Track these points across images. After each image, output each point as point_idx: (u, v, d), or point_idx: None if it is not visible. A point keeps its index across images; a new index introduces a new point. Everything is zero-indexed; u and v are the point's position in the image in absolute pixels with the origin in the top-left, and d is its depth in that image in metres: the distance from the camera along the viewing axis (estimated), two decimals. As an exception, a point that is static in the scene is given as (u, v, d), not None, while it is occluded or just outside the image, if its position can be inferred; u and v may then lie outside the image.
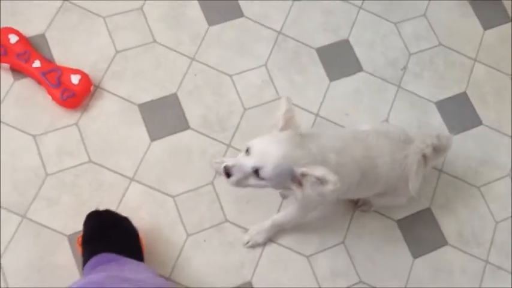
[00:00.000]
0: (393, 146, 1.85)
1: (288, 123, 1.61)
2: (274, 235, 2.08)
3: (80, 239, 1.79)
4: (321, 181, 1.50)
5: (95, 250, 1.68)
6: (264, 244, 2.07)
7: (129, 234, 1.83)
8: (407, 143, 1.89)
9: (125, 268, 1.63)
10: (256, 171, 1.54)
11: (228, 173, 1.57)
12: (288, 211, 1.99)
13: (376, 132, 1.86)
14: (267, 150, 1.55)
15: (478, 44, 2.57)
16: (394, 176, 1.89)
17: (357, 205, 2.18)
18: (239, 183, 1.59)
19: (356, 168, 1.73)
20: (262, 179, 1.56)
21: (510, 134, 2.42)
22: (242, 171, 1.56)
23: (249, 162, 1.55)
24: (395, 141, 1.87)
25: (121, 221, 1.83)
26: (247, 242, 2.06)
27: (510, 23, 2.63)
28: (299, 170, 1.53)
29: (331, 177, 1.48)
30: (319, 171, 1.50)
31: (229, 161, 1.57)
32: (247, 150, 1.57)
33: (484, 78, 2.51)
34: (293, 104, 1.64)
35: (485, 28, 2.60)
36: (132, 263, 1.69)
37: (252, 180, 1.58)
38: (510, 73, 2.53)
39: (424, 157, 1.92)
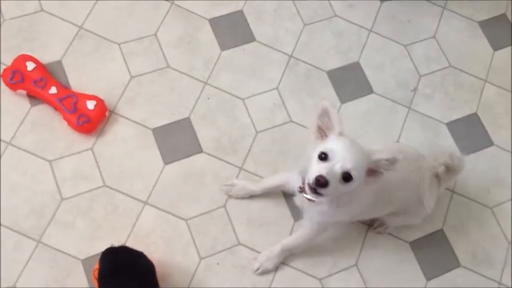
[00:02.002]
0: (406, 165, 1.77)
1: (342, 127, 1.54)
2: (284, 260, 2.02)
3: (96, 273, 1.74)
4: (391, 161, 1.49)
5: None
6: (274, 270, 2.01)
7: (146, 271, 1.77)
8: (420, 162, 1.85)
9: None
10: (344, 176, 1.46)
11: (324, 183, 1.45)
12: (298, 233, 1.95)
13: (389, 150, 1.79)
14: (348, 152, 1.47)
15: (488, 65, 2.51)
16: (408, 195, 1.85)
17: (372, 227, 2.12)
18: (332, 192, 1.48)
19: (372, 188, 1.67)
20: (351, 181, 1.47)
21: (522, 154, 2.36)
22: (335, 178, 1.46)
23: (337, 167, 1.45)
24: (409, 160, 1.81)
25: (137, 258, 1.78)
26: (258, 269, 1.99)
27: (520, 44, 2.57)
28: (372, 159, 1.50)
29: (397, 156, 1.49)
30: (385, 155, 1.49)
31: (319, 171, 1.46)
32: (323, 158, 1.48)
33: (495, 99, 2.45)
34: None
35: (495, 49, 2.54)
36: None
37: (341, 187, 1.48)
38: (521, 93, 2.46)
39: (438, 177, 1.88)
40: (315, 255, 2.05)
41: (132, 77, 2.19)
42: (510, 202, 2.27)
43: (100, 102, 2.04)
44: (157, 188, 2.04)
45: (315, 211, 1.76)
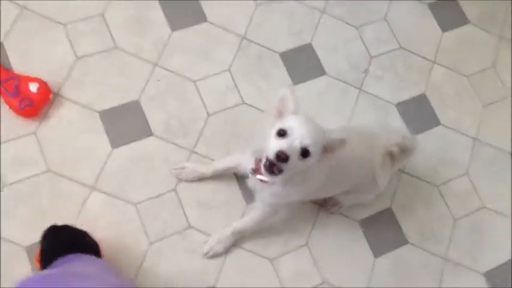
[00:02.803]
0: (359, 143, 1.74)
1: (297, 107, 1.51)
2: (235, 242, 1.92)
3: (38, 255, 1.61)
4: (341, 142, 1.47)
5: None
6: (224, 253, 1.91)
7: (89, 248, 1.66)
8: (374, 140, 1.80)
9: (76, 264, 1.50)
10: (302, 151, 1.42)
11: (284, 158, 1.39)
12: (249, 216, 1.87)
13: (343, 129, 1.80)
14: (306, 128, 1.43)
15: (436, 46, 2.43)
16: (361, 173, 1.81)
17: (325, 207, 2.04)
18: (292, 168, 1.43)
19: (325, 166, 1.62)
20: (309, 156, 1.43)
21: (467, 134, 2.30)
22: (295, 153, 1.41)
23: (297, 142, 1.41)
24: (362, 138, 1.77)
25: (79, 236, 1.67)
26: (207, 253, 1.90)
27: (467, 25, 2.49)
28: (327, 138, 1.47)
29: (345, 137, 1.48)
30: (338, 135, 1.49)
31: (280, 146, 1.40)
32: (281, 134, 1.42)
33: (443, 79, 2.38)
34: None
35: (444, 30, 2.46)
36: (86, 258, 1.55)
37: (299, 163, 1.43)
38: (467, 74, 2.39)
39: (391, 156, 1.84)
40: (265, 235, 1.96)
41: (77, 58, 2.03)
42: (456, 180, 2.21)
43: (43, 84, 1.88)
44: (104, 172, 1.90)
45: (268, 192, 1.68)
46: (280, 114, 1.50)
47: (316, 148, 1.44)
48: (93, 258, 1.60)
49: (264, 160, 1.46)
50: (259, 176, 1.59)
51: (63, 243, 1.60)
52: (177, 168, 1.95)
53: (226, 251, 1.92)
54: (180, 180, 1.95)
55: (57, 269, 1.45)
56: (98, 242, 1.71)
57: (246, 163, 1.71)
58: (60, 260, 1.50)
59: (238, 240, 1.92)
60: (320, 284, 1.95)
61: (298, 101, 1.48)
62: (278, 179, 1.53)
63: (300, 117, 1.47)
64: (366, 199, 2.01)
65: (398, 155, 1.85)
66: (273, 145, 1.43)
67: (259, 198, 1.80)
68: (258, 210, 1.84)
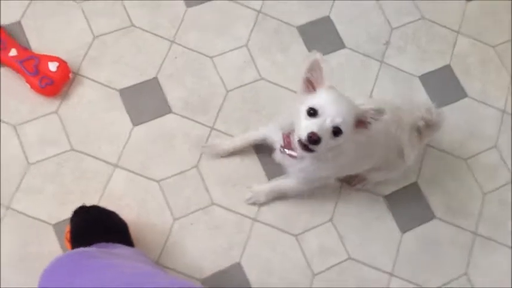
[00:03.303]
0: (387, 117, 1.81)
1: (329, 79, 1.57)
2: (275, 198, 2.09)
3: (68, 235, 1.77)
4: (378, 112, 1.53)
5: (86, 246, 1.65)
6: (265, 203, 2.09)
7: (118, 229, 1.81)
8: (399, 114, 1.89)
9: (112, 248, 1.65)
10: (334, 130, 1.51)
11: (316, 140, 1.49)
12: (288, 181, 2.00)
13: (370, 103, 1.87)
14: (337, 106, 1.51)
15: (460, 16, 2.56)
16: (389, 147, 1.90)
17: (351, 184, 2.18)
18: (324, 148, 1.53)
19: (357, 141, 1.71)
20: (341, 135, 1.52)
21: (495, 106, 2.43)
22: (326, 133, 1.50)
23: (328, 122, 1.50)
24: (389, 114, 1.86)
25: (109, 216, 1.81)
26: (250, 199, 2.07)
27: (493, -6, 2.62)
28: (360, 111, 1.54)
29: (383, 106, 1.54)
30: (372, 105, 1.55)
31: (311, 127, 1.49)
32: (312, 113, 1.51)
33: (468, 50, 2.51)
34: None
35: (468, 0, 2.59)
36: (121, 246, 1.70)
37: (331, 142, 1.53)
38: (494, 44, 2.53)
39: (419, 131, 1.94)
40: (290, 212, 2.10)
41: (95, 37, 2.19)
42: (484, 153, 2.35)
43: (63, 63, 2.04)
44: (126, 150, 2.06)
45: (297, 168, 1.81)
46: (309, 86, 1.57)
47: (348, 125, 1.52)
48: (127, 247, 1.73)
49: (296, 139, 1.56)
50: (288, 151, 1.71)
51: (93, 223, 1.75)
52: (206, 146, 2.11)
53: (268, 202, 2.09)
54: (211, 156, 2.11)
55: (95, 247, 1.60)
56: (126, 222, 1.85)
57: (273, 137, 1.85)
58: (95, 246, 1.64)
59: (279, 198, 2.10)
60: (345, 259, 2.09)
61: (330, 70, 1.55)
62: (313, 154, 1.62)
63: (331, 92, 1.53)
64: (392, 176, 2.11)
65: (424, 129, 1.96)
66: (304, 126, 1.51)
67: (290, 173, 1.95)
68: (292, 181, 1.98)
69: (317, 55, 1.52)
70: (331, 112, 1.50)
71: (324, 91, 1.53)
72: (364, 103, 1.65)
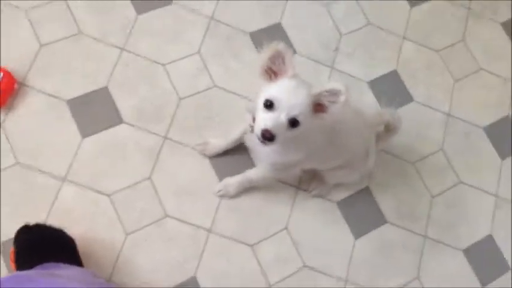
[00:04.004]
0: (355, 115, 1.82)
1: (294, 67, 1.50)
2: (245, 190, 2.05)
3: (13, 256, 1.65)
4: (334, 93, 1.45)
5: (30, 267, 1.54)
6: (234, 196, 2.03)
7: (65, 247, 1.71)
8: (365, 118, 1.88)
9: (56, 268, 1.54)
10: (291, 121, 1.46)
11: (271, 137, 1.45)
12: (259, 168, 1.94)
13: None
14: (293, 97, 1.45)
15: (405, 21, 2.55)
16: (359, 145, 1.88)
17: (309, 188, 2.14)
18: (281, 141, 1.48)
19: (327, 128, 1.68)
20: (300, 125, 1.47)
21: (440, 109, 2.42)
22: (282, 128, 1.46)
23: (283, 116, 1.45)
24: (358, 113, 1.85)
25: (55, 234, 1.71)
26: (219, 191, 2.02)
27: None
28: (313, 93, 1.46)
29: (340, 86, 1.44)
30: (327, 86, 1.46)
31: (264, 124, 1.45)
32: (269, 105, 1.46)
33: (413, 55, 2.50)
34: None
35: (412, 5, 2.58)
36: (66, 267, 1.58)
37: (289, 133, 1.48)
38: (438, 49, 2.52)
39: (377, 136, 1.94)
40: (245, 222, 2.04)
41: (41, 45, 2.06)
42: (431, 157, 2.34)
43: (7, 73, 1.92)
44: (75, 162, 1.95)
45: (265, 150, 1.73)
46: (271, 75, 1.51)
47: (305, 115, 1.47)
48: (73, 266, 1.63)
49: (256, 134, 1.50)
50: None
51: (37, 242, 1.64)
52: (201, 144, 2.04)
53: (236, 194, 2.04)
54: (205, 155, 2.05)
55: (35, 270, 1.49)
56: (73, 238, 1.75)
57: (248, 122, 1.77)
58: (38, 267, 1.53)
59: (248, 188, 2.04)
60: (301, 267, 2.04)
61: (294, 60, 1.48)
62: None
63: (290, 83, 1.48)
64: (352, 177, 2.08)
65: (382, 134, 1.97)
66: (260, 119, 1.47)
67: (258, 158, 1.89)
68: (261, 167, 1.92)
69: (280, 45, 1.46)
70: (287, 104, 1.45)
71: (284, 81, 1.48)
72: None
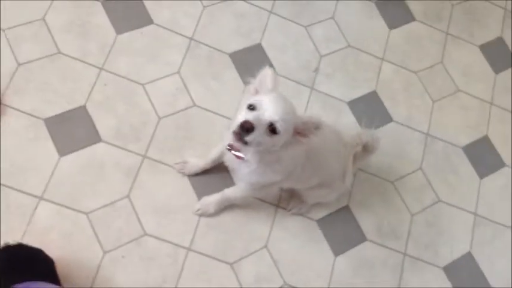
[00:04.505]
0: (333, 137, 1.85)
1: (275, 83, 1.55)
2: (224, 208, 2.05)
3: None
4: (316, 126, 1.51)
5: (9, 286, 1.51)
6: (214, 215, 2.03)
7: (44, 267, 1.68)
8: (344, 137, 1.92)
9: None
10: (271, 127, 1.46)
11: (249, 128, 1.43)
12: (237, 187, 1.95)
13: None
14: (276, 105, 1.47)
15: (384, 43, 2.58)
16: (336, 165, 1.90)
17: (288, 206, 2.13)
18: (257, 141, 1.47)
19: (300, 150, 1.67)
20: (276, 133, 1.47)
21: (419, 129, 2.44)
22: (262, 125, 1.45)
23: (266, 115, 1.45)
24: (336, 134, 1.88)
25: (33, 254, 1.68)
26: (198, 210, 2.01)
27: (414, 22, 2.66)
28: (301, 120, 1.51)
29: (322, 122, 1.51)
30: (314, 118, 1.52)
31: (246, 116, 1.45)
32: (251, 108, 1.48)
33: (392, 76, 2.53)
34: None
35: (391, 28, 2.61)
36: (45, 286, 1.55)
37: (265, 138, 1.47)
38: (416, 70, 2.55)
39: (354, 156, 1.95)
40: (225, 240, 2.03)
41: (19, 65, 2.05)
42: (410, 175, 2.35)
43: (-16, 93, 1.90)
44: (53, 181, 1.93)
45: (244, 171, 1.74)
46: (256, 92, 1.56)
47: (285, 126, 1.48)
48: (52, 285, 1.61)
49: (231, 131, 1.50)
50: (234, 152, 1.65)
51: (16, 263, 1.62)
52: (180, 162, 2.04)
53: (216, 213, 2.03)
54: (183, 174, 2.04)
55: None
56: (52, 258, 1.72)
57: (226, 142, 1.76)
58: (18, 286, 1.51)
59: (227, 207, 2.04)
60: (281, 286, 2.02)
61: (278, 82, 1.54)
62: (249, 153, 1.59)
63: (274, 94, 1.52)
64: (330, 197, 2.09)
65: (360, 154, 1.98)
66: (240, 116, 1.48)
67: (237, 177, 1.89)
68: (240, 186, 1.91)
69: (268, 71, 1.55)
70: (270, 108, 1.47)
71: (268, 93, 1.52)
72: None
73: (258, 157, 1.61)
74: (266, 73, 1.55)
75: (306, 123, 1.52)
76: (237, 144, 1.53)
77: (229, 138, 1.67)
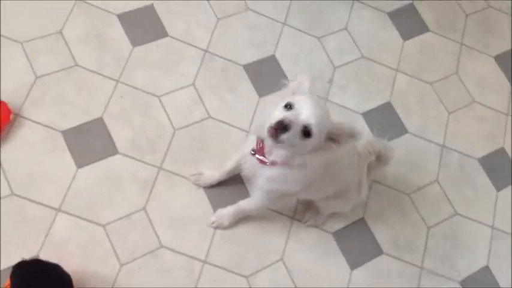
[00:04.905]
0: (350, 148, 1.83)
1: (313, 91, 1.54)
2: (239, 220, 2.06)
3: None
4: (351, 134, 1.51)
5: None
6: (228, 227, 2.03)
7: (61, 283, 1.69)
8: (357, 147, 1.91)
9: None
10: (304, 130, 1.45)
11: (286, 126, 1.43)
12: (252, 198, 1.94)
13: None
14: (313, 108, 1.46)
15: (398, 54, 2.59)
16: (351, 176, 1.89)
17: (304, 218, 2.14)
18: (291, 141, 1.46)
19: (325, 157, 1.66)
20: (309, 137, 1.46)
21: (434, 141, 2.44)
22: (297, 126, 1.44)
23: (302, 117, 1.44)
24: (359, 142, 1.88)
25: (51, 270, 1.69)
26: (213, 223, 2.02)
27: (427, 33, 2.67)
28: (335, 126, 1.50)
29: (358, 131, 1.51)
30: (349, 126, 1.51)
31: (283, 114, 1.44)
32: (289, 106, 1.47)
33: (406, 87, 2.53)
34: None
35: (405, 39, 2.63)
36: None
37: (298, 141, 1.46)
38: (430, 81, 2.56)
39: (368, 166, 1.95)
40: (240, 252, 2.03)
41: (37, 77, 2.08)
42: (426, 188, 2.34)
43: (3, 105, 1.93)
44: (70, 193, 1.95)
45: (265, 176, 1.72)
46: (293, 93, 1.55)
47: (319, 131, 1.47)
48: None
49: (267, 126, 1.49)
50: (258, 156, 1.64)
51: (34, 279, 1.63)
52: (195, 174, 2.06)
53: (231, 226, 2.04)
54: (198, 186, 2.06)
55: None
56: (69, 274, 1.72)
57: (245, 150, 1.76)
58: None
59: (242, 219, 2.05)
60: None
61: (315, 88, 1.54)
62: (277, 154, 1.58)
63: (311, 97, 1.51)
64: (345, 208, 2.08)
65: (374, 165, 1.98)
66: (277, 114, 1.47)
67: (255, 186, 1.85)
68: (257, 196, 1.89)
69: (305, 75, 1.55)
70: (306, 110, 1.46)
71: (305, 96, 1.52)
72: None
73: (285, 159, 1.60)
74: (304, 78, 1.55)
75: (340, 129, 1.51)
76: (270, 142, 1.52)
77: (252, 144, 1.68)
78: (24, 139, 1.98)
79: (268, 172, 1.69)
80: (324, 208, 2.08)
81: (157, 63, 2.24)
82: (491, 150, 2.50)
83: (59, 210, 1.92)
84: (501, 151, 2.51)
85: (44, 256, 1.80)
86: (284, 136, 1.44)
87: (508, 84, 2.67)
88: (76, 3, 2.23)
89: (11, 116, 1.95)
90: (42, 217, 1.89)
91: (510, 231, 2.36)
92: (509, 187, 2.45)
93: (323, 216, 2.13)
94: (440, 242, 2.27)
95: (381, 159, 1.99)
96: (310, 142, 1.48)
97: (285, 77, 2.34)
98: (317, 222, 2.14)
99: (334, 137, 1.52)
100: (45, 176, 1.95)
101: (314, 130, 1.45)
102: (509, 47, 2.76)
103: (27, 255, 1.79)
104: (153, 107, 2.16)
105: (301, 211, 2.14)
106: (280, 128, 1.43)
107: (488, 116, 2.58)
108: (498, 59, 2.72)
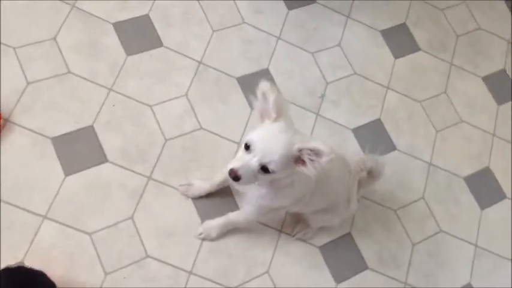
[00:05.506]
0: (340, 162, 1.80)
1: (280, 110, 1.44)
2: (227, 232, 2.00)
3: None
4: (316, 153, 1.38)
5: None
6: (216, 239, 1.98)
7: None
8: (347, 163, 1.86)
9: None
10: (263, 167, 1.42)
11: (236, 177, 1.43)
12: (242, 211, 1.91)
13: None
14: (269, 144, 1.42)
15: (389, 72, 2.56)
16: (341, 191, 1.86)
17: (293, 231, 2.10)
18: (248, 182, 1.46)
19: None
20: (271, 172, 1.43)
21: (422, 159, 2.41)
22: (250, 171, 1.43)
23: (254, 161, 1.41)
24: (341, 159, 1.82)
25: (36, 277, 1.63)
26: (200, 234, 1.97)
27: (419, 52, 2.64)
28: (295, 148, 1.41)
29: (324, 147, 1.36)
30: (312, 144, 1.38)
31: (233, 164, 1.43)
32: (247, 147, 1.43)
33: (397, 105, 2.50)
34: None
35: (396, 57, 2.59)
36: None
37: (261, 177, 1.45)
38: (420, 100, 2.53)
39: (359, 182, 1.91)
40: (227, 264, 1.98)
41: (29, 83, 2.02)
42: (413, 204, 2.31)
43: (-7, 110, 1.87)
44: (57, 200, 1.89)
45: (254, 194, 1.70)
46: (262, 116, 1.48)
47: (277, 165, 1.42)
48: None
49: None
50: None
51: (18, 285, 1.57)
52: (184, 184, 2.01)
53: (218, 237, 1.98)
54: (187, 197, 2.01)
55: None
56: (53, 282, 1.67)
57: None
58: None
59: (230, 230, 1.99)
60: None
61: (282, 105, 1.44)
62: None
63: (271, 128, 1.44)
64: (334, 221, 2.03)
65: (365, 180, 1.95)
66: (235, 158, 1.45)
67: (245, 200, 1.83)
68: (247, 210, 1.86)
69: (265, 85, 1.42)
70: (261, 150, 1.41)
71: (267, 124, 1.45)
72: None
73: (268, 183, 1.57)
74: (266, 89, 1.42)
75: (302, 150, 1.40)
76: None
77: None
78: (13, 145, 1.92)
79: (257, 190, 1.65)
80: (314, 221, 2.04)
81: (151, 73, 2.18)
82: (477, 170, 2.47)
83: (45, 217, 1.85)
84: (486, 170, 2.48)
85: (29, 263, 1.74)
86: (241, 180, 1.43)
87: (495, 104, 2.64)
88: (72, 11, 2.18)
89: (1, 121, 1.89)
90: (28, 224, 1.83)
91: (492, 250, 2.32)
92: (493, 206, 2.41)
93: (312, 230, 2.09)
94: (424, 258, 2.23)
95: (372, 174, 1.95)
96: (274, 175, 1.45)
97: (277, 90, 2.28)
98: (306, 236, 2.09)
99: (301, 160, 1.44)
100: (33, 183, 1.89)
101: (271, 167, 1.42)
102: (497, 69, 2.74)
103: (12, 262, 1.73)
104: (145, 116, 2.10)
105: (289, 224, 2.10)
106: (232, 178, 1.43)
107: (475, 135, 2.54)
108: (486, 79, 2.69)
